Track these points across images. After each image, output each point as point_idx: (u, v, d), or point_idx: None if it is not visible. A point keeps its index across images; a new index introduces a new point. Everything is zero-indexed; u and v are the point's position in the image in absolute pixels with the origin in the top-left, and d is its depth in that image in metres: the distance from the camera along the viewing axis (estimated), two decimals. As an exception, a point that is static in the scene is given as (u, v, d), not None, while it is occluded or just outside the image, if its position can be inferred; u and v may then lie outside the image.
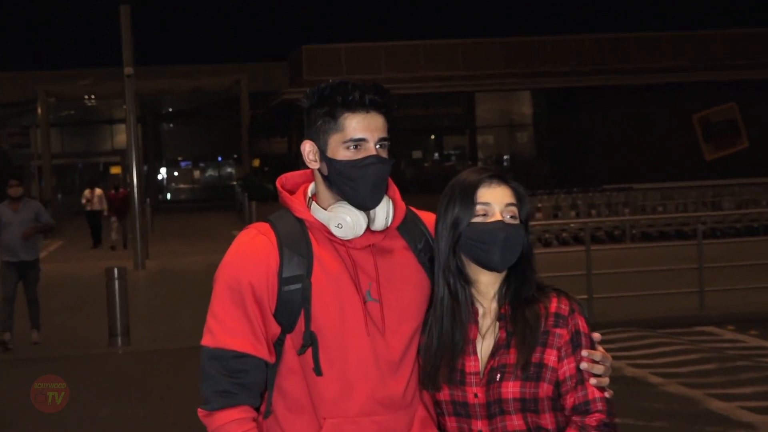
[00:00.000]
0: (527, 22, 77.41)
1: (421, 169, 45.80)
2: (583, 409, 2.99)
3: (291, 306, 3.05)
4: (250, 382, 3.06)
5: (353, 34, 79.48)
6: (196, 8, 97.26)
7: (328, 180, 3.11)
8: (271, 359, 3.08)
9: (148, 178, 55.60)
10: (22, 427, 9.50)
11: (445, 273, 3.11)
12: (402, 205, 3.23)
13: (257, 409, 3.12)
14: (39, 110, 49.95)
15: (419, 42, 43.39)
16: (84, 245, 30.77)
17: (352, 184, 3.06)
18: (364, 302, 3.07)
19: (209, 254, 24.79)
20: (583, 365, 3.01)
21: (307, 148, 3.14)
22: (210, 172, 66.85)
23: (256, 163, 54.19)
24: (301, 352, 3.05)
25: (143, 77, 35.52)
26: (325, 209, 3.11)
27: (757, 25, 44.29)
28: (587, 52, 42.88)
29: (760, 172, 35.50)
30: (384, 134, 3.10)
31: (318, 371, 3.05)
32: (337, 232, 3.07)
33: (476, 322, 3.11)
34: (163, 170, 64.99)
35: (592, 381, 3.01)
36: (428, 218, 3.27)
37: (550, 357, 3.01)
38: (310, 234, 3.11)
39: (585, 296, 13.99)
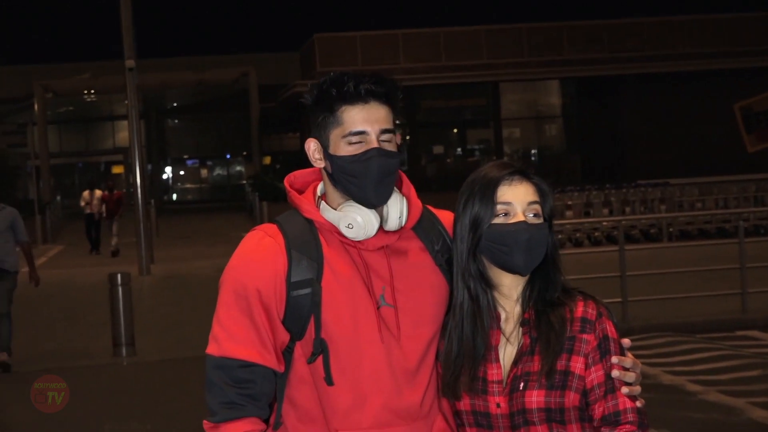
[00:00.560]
0: (555, 6, 77.29)
1: (443, 165, 45.80)
2: (613, 419, 2.99)
3: (300, 312, 3.05)
4: (258, 392, 3.06)
5: (368, 21, 79.45)
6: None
7: (333, 178, 3.12)
8: (280, 368, 3.09)
9: (152, 178, 55.71)
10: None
11: (465, 276, 3.11)
12: (418, 203, 3.23)
13: (266, 421, 3.13)
14: (36, 107, 50.12)
15: (439, 29, 43.36)
16: (85, 250, 30.86)
17: (355, 181, 3.06)
18: (378, 307, 3.08)
19: (218, 259, 24.83)
20: (614, 373, 3.00)
21: (312, 147, 3.17)
22: (218, 171, 66.88)
23: (267, 160, 54.30)
24: (311, 360, 3.06)
25: (146, 70, 35.67)
26: (335, 209, 3.12)
27: (803, 6, 44.05)
28: (620, 38, 42.76)
29: (806, 165, 35.38)
30: (387, 125, 3.08)
31: (329, 381, 3.05)
32: (347, 233, 3.08)
33: (499, 328, 3.11)
34: (168, 169, 65.09)
35: (624, 390, 3.00)
36: (446, 217, 3.26)
37: (577, 364, 3.01)
38: (320, 235, 3.12)
39: (619, 299, 13.98)
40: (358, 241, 3.10)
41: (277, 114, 51.94)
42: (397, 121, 3.14)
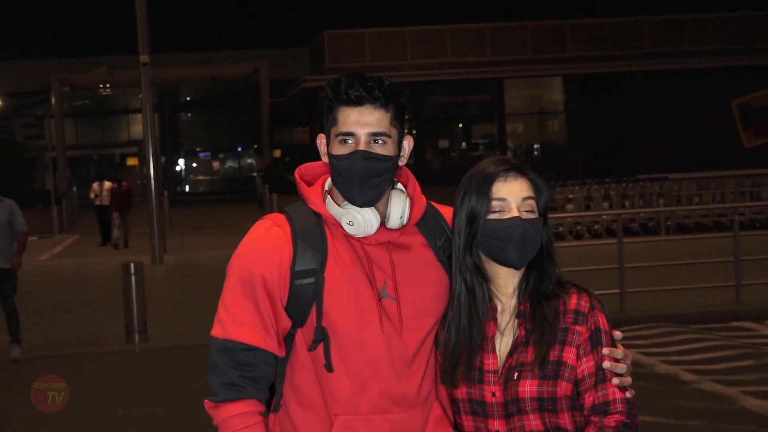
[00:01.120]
0: (558, 4, 77.15)
1: (448, 159, 45.76)
2: (603, 409, 3.02)
3: (303, 300, 3.10)
4: (258, 375, 3.11)
5: (377, 18, 79.37)
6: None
7: (331, 175, 3.18)
8: (281, 353, 3.13)
9: (165, 170, 55.78)
10: (35, 427, 9.61)
11: (462, 269, 3.15)
12: (422, 201, 3.27)
13: (266, 403, 3.18)
14: (53, 100, 50.17)
15: (445, 26, 43.30)
16: (99, 240, 30.85)
17: (342, 180, 3.12)
18: (380, 299, 3.12)
19: (228, 249, 24.75)
20: (606, 364, 3.03)
21: (320, 142, 3.23)
22: (229, 163, 66.92)
23: (277, 153, 54.33)
24: (312, 347, 3.11)
25: (160, 65, 35.69)
26: (339, 204, 3.17)
27: (800, 6, 44.00)
28: (621, 36, 42.70)
29: (801, 161, 35.35)
30: (378, 129, 3.10)
31: (329, 368, 3.10)
32: (348, 229, 3.12)
33: (495, 319, 3.14)
34: (181, 161, 65.14)
35: (615, 380, 3.04)
36: (449, 213, 3.28)
37: (569, 355, 3.04)
38: (325, 228, 3.16)
39: (617, 290, 14.00)
40: (361, 236, 3.14)
41: (287, 108, 51.94)
42: (394, 125, 3.14)
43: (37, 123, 39.66)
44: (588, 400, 3.05)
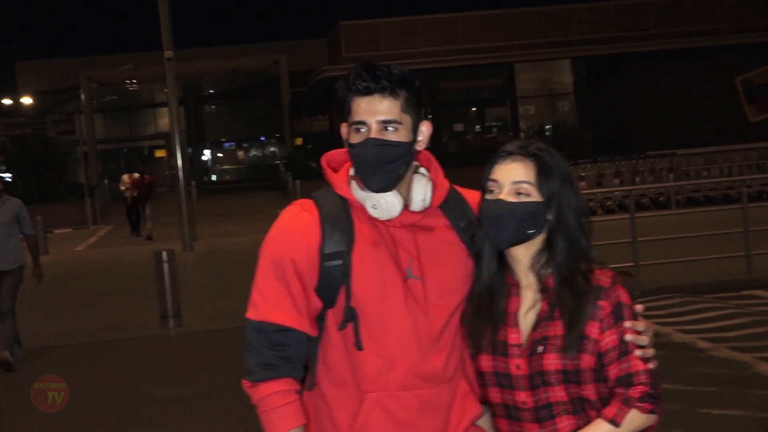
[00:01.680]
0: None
1: (463, 142, 45.73)
2: (627, 381, 3.02)
3: (332, 281, 3.11)
4: (293, 355, 3.13)
5: (390, 8, 79.22)
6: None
7: (351, 162, 3.21)
8: (313, 333, 3.15)
9: (192, 161, 55.87)
10: (81, 408, 9.65)
11: (484, 245, 3.16)
12: (444, 184, 3.27)
13: (300, 381, 3.20)
14: (82, 96, 50.30)
15: (457, 14, 43.27)
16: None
17: (356, 166, 3.15)
18: (406, 279, 3.13)
19: (255, 234, 24.82)
20: (628, 337, 3.02)
21: (342, 131, 3.23)
22: (253, 152, 67.02)
23: (299, 141, 54.35)
24: (342, 327, 3.12)
25: (183, 60, 35.69)
26: (363, 189, 3.18)
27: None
28: (625, 18, 42.59)
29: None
30: (389, 116, 3.10)
31: (359, 346, 3.11)
32: (372, 212, 3.14)
33: (518, 295, 3.15)
34: (206, 152, 65.27)
35: (638, 352, 3.03)
36: (472, 196, 3.29)
37: (592, 329, 3.03)
38: (351, 211, 3.18)
39: (631, 263, 13.97)
40: (385, 219, 3.15)
41: (307, 98, 51.98)
42: (407, 112, 3.13)
43: (68, 119, 39.77)
44: (612, 372, 3.04)
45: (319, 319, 3.17)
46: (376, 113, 3.10)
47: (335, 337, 3.16)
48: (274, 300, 3.13)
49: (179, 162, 25.22)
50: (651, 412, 3.01)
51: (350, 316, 3.11)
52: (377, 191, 3.12)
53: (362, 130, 3.11)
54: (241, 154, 66.82)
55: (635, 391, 3.01)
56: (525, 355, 3.07)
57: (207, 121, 64.48)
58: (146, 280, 16.66)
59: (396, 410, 3.11)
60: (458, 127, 46.43)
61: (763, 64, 41.54)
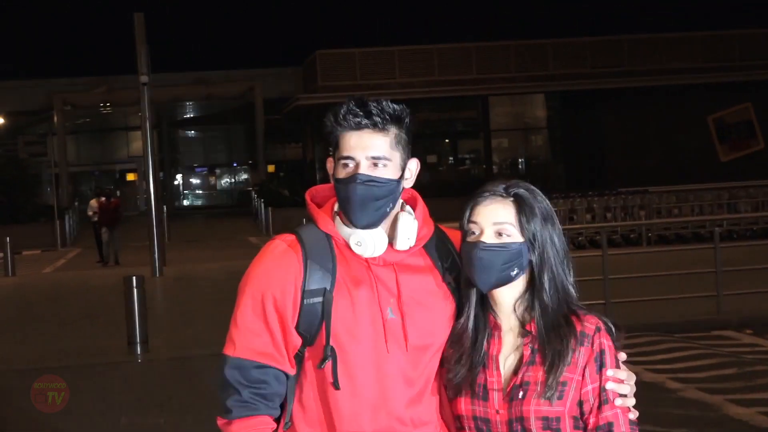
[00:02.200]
0: (540, 25, 77.29)
1: (436, 174, 45.76)
2: (606, 430, 2.97)
3: (312, 319, 3.06)
4: (270, 393, 3.08)
5: (367, 38, 79.40)
6: (208, 15, 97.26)
7: (337, 197, 3.15)
8: (292, 371, 3.10)
9: (164, 185, 55.68)
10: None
11: (466, 287, 3.11)
12: (430, 224, 3.22)
13: (277, 420, 3.13)
14: (55, 118, 50.09)
15: (433, 46, 43.42)
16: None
17: (343, 203, 3.09)
18: (386, 319, 3.07)
19: (226, 261, 24.81)
20: (609, 385, 2.98)
21: (329, 166, 3.18)
22: (225, 178, 66.95)
23: (271, 168, 54.31)
24: (320, 366, 3.06)
25: (158, 84, 35.62)
26: (348, 225, 3.12)
27: (772, 25, 44.20)
28: (601, 54, 42.84)
29: (775, 174, 35.42)
30: (378, 153, 3.07)
31: (336, 385, 3.05)
32: (356, 250, 3.09)
33: (499, 337, 3.09)
34: (178, 177, 65.09)
35: (618, 401, 2.98)
36: (457, 237, 3.23)
37: (574, 375, 2.99)
38: (334, 248, 3.12)
39: (602, 301, 13.95)
40: (369, 257, 3.09)
41: (281, 125, 51.98)
42: (396, 149, 3.11)
43: (40, 141, 39.61)
44: (592, 421, 2.99)
45: (298, 357, 3.11)
46: (366, 149, 3.05)
47: (313, 375, 3.11)
48: (253, 336, 3.08)
49: (151, 186, 25.11)
50: None
51: (329, 355, 3.05)
52: (363, 228, 3.07)
53: (350, 165, 3.06)
54: (213, 179, 66.72)
55: None
56: (505, 399, 3.02)
57: (180, 146, 64.34)
58: (113, 305, 16.52)
59: (371, 453, 3.05)
60: (431, 158, 46.46)
61: (735, 103, 41.84)
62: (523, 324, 3.08)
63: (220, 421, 3.10)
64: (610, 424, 2.97)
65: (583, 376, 2.99)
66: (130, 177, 60.81)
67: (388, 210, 3.10)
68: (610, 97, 41.72)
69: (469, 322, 3.09)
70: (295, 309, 3.06)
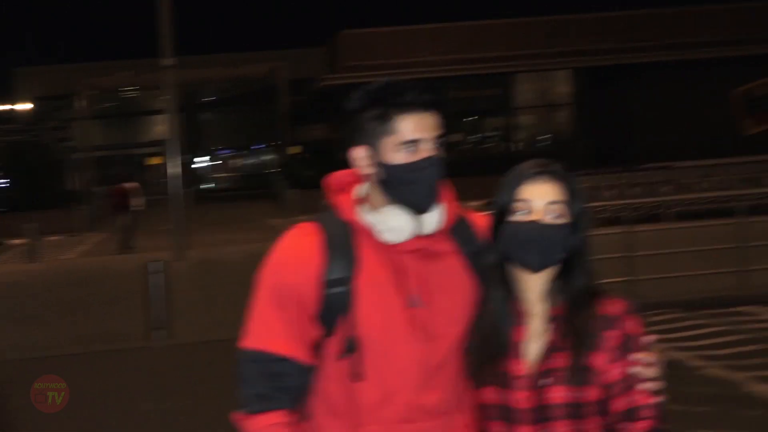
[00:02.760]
0: (565, 0, 76.94)
1: (460, 152, 45.70)
2: (632, 415, 2.92)
3: (333, 309, 2.99)
4: (290, 385, 3.01)
5: (390, 17, 79.34)
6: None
7: (384, 184, 3.01)
8: (311, 363, 3.03)
9: (187, 168, 55.81)
10: (63, 421, 9.55)
11: (493, 268, 3.04)
12: (455, 207, 3.13)
13: (295, 413, 3.07)
14: (81, 103, 50.24)
15: (458, 24, 43.28)
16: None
17: (411, 187, 2.97)
18: (409, 307, 3.00)
19: (249, 244, 24.80)
20: (636, 369, 2.92)
21: (360, 154, 3.05)
22: (249, 161, 66.98)
23: (296, 150, 54.33)
24: (342, 356, 2.99)
25: (182, 67, 35.66)
26: (377, 212, 3.04)
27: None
28: (626, 29, 42.62)
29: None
30: (439, 132, 2.99)
31: (358, 377, 2.99)
32: (384, 236, 3.00)
33: (524, 324, 3.03)
34: (202, 159, 65.20)
35: (643, 385, 2.93)
36: (480, 220, 3.18)
37: (600, 361, 2.93)
38: (356, 236, 3.05)
39: (628, 277, 13.86)
40: (393, 243, 3.02)
41: (305, 106, 51.95)
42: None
43: (65, 126, 39.75)
44: (617, 405, 2.93)
45: (317, 348, 3.04)
46: (431, 130, 2.97)
47: (333, 367, 3.03)
48: (273, 328, 3.01)
49: (174, 170, 25.16)
50: None
51: (351, 346, 2.98)
52: (428, 211, 3.00)
53: (415, 149, 2.96)
54: (236, 162, 66.78)
55: (640, 426, 2.91)
56: (530, 387, 2.96)
57: (203, 128, 64.42)
58: (136, 289, 16.56)
59: (393, 444, 3.00)
60: (456, 137, 46.38)
61: (762, 75, 41.52)
62: (546, 309, 3.02)
63: (238, 416, 3.04)
64: (636, 409, 2.91)
65: (608, 360, 2.94)
66: (154, 161, 60.99)
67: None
68: (636, 73, 41.49)
69: (495, 307, 3.02)
70: (315, 299, 2.99)
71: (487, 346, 3.00)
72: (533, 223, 2.93)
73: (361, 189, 3.12)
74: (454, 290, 3.06)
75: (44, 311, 16.62)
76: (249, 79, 55.32)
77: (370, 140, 3.00)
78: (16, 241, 30.89)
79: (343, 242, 3.02)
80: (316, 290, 2.98)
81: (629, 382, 2.92)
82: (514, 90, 45.96)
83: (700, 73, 40.65)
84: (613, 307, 2.98)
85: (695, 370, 10.06)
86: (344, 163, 3.13)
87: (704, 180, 28.93)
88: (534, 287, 3.02)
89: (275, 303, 3.01)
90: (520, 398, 2.96)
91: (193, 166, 61.71)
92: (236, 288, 16.62)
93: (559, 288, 3.01)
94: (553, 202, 2.95)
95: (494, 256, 3.03)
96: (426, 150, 2.96)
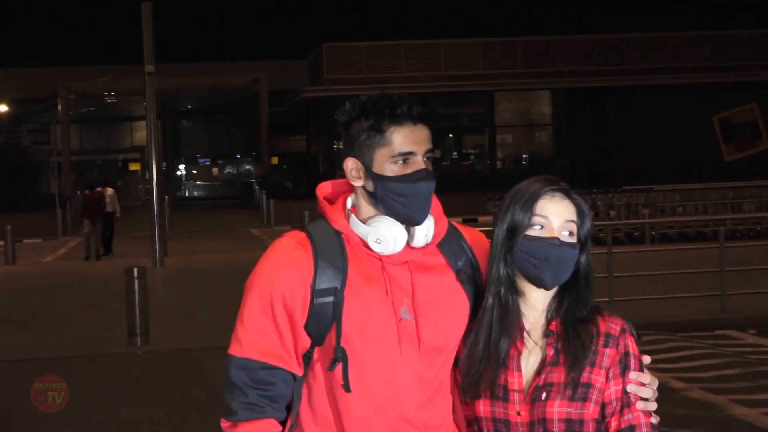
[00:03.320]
0: (547, 21, 77.27)
1: (440, 168, 45.79)
2: None
3: (322, 319, 2.95)
4: (277, 394, 2.98)
5: (374, 32, 79.47)
6: (216, 6, 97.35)
7: (375, 196, 2.99)
8: (299, 372, 3.00)
9: (166, 175, 55.70)
10: (38, 427, 9.46)
11: (496, 281, 3.00)
12: (444, 221, 3.11)
13: (282, 423, 3.03)
14: (59, 107, 50.05)
15: (440, 41, 43.39)
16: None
17: (403, 200, 2.94)
18: (399, 319, 2.97)
19: (228, 252, 24.79)
20: (631, 387, 2.91)
21: (350, 166, 3.02)
22: (228, 170, 66.95)
23: (275, 160, 54.32)
24: (330, 367, 2.96)
25: (163, 74, 35.61)
26: (364, 223, 3.01)
27: (779, 25, 44.18)
28: (608, 52, 42.83)
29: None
30: (430, 146, 2.98)
31: (347, 388, 2.95)
32: (375, 247, 2.97)
33: (522, 337, 3.00)
34: (181, 167, 65.09)
35: (639, 404, 2.92)
36: (470, 234, 3.16)
37: (598, 377, 2.92)
38: (347, 247, 3.01)
39: (606, 299, 13.88)
40: (384, 255, 2.99)
41: (285, 117, 51.96)
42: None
43: (44, 129, 39.59)
44: (614, 424, 2.92)
45: (306, 358, 3.01)
46: (422, 143, 2.96)
47: (322, 377, 3.00)
48: (261, 336, 2.97)
49: (154, 176, 25.07)
50: None
51: (340, 356, 2.94)
52: (420, 223, 2.98)
53: (407, 162, 2.94)
54: (215, 170, 66.74)
55: None
56: (527, 401, 2.93)
57: (184, 137, 64.35)
58: (114, 295, 16.48)
59: (381, 457, 2.96)
60: (436, 153, 46.47)
61: (741, 103, 41.81)
62: (548, 323, 3.01)
63: (223, 424, 3.00)
64: (631, 427, 2.91)
65: (607, 377, 2.93)
66: (133, 167, 60.86)
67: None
68: (616, 95, 41.69)
69: (492, 320, 2.99)
70: (305, 308, 2.96)
71: (482, 358, 2.97)
72: (554, 240, 2.93)
73: (352, 199, 3.09)
74: (445, 303, 3.03)
75: (22, 315, 16.49)
76: (230, 89, 55.30)
77: (363, 152, 2.98)
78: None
79: (334, 252, 2.99)
80: (305, 299, 2.95)
81: (625, 401, 2.91)
82: (494, 108, 46.06)
83: (679, 97, 40.90)
84: (612, 325, 2.96)
85: (677, 392, 10.06)
86: (324, 175, 3.10)
87: (684, 204, 28.99)
88: (535, 303, 3.01)
89: (264, 311, 2.97)
90: (517, 412, 2.93)
91: (173, 173, 61.58)
92: (215, 296, 16.64)
93: (559, 303, 3.00)
94: (569, 221, 2.95)
95: (500, 270, 2.99)
96: (418, 163, 2.94)
